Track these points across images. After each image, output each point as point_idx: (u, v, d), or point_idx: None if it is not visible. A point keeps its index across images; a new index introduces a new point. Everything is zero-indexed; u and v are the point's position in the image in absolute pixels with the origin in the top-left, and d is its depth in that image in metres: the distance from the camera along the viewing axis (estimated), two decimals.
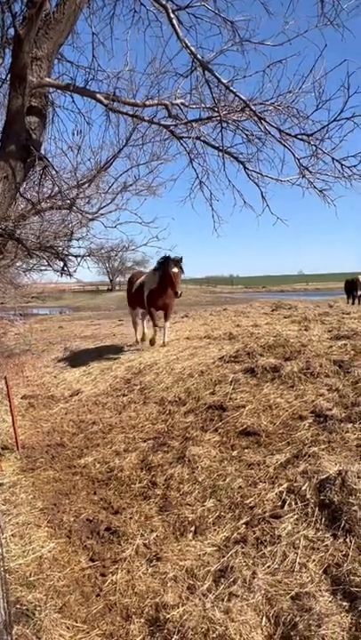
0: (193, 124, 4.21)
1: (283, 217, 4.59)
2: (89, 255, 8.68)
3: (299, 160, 4.04)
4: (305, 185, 4.20)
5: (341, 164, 3.89)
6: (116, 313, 34.31)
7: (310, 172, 4.07)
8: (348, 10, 3.71)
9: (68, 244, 7.82)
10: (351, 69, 3.51)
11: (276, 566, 3.04)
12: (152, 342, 10.29)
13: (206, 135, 4.54)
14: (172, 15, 3.61)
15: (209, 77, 3.80)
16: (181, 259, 9.41)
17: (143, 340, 10.82)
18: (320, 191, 4.16)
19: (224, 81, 3.74)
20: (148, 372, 8.12)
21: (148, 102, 4.18)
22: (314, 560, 3.03)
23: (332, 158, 3.88)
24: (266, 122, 3.84)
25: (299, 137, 3.95)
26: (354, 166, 3.85)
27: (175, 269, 9.17)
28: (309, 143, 3.93)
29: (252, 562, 3.11)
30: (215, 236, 6.38)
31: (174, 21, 3.64)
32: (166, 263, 9.39)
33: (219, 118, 4.00)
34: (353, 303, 23.40)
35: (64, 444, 6.12)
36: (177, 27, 3.62)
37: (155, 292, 9.79)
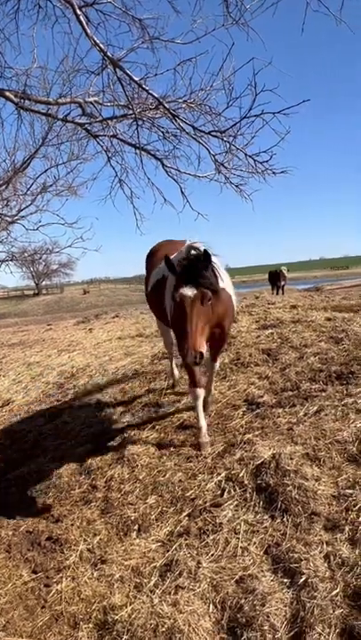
0: (108, 121, 4.20)
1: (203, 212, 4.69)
2: (11, 259, 8.41)
3: (214, 156, 4.16)
4: (222, 180, 4.34)
5: (254, 160, 4.05)
6: (45, 318, 33.39)
7: (226, 168, 4.20)
8: (251, 10, 3.85)
9: None
10: (257, 68, 3.65)
11: (220, 553, 3.11)
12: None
13: (123, 133, 4.55)
14: (78, 12, 3.57)
15: (121, 75, 3.80)
16: (207, 261, 3.84)
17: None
18: (236, 186, 4.31)
19: (136, 78, 3.76)
20: (82, 376, 7.99)
21: (60, 100, 4.11)
22: (255, 542, 3.14)
23: (245, 154, 4.04)
24: (180, 119, 3.91)
25: (213, 134, 4.06)
26: (266, 161, 4.02)
27: (187, 291, 3.78)
28: (223, 139, 4.05)
29: (196, 552, 3.16)
30: (138, 234, 6.32)
31: (82, 18, 3.60)
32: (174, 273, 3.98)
33: (133, 116, 4.02)
34: (277, 293, 24.38)
35: None
36: (85, 24, 3.58)
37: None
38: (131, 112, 3.99)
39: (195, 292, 3.73)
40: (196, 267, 3.79)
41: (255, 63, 3.76)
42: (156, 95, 3.81)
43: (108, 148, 4.72)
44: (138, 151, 4.46)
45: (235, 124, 3.97)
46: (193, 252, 3.92)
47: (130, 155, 4.94)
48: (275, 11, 3.92)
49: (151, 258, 6.05)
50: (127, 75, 3.66)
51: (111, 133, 4.35)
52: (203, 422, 4.64)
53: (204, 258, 3.80)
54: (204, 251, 3.81)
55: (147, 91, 3.77)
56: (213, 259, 3.92)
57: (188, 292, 3.74)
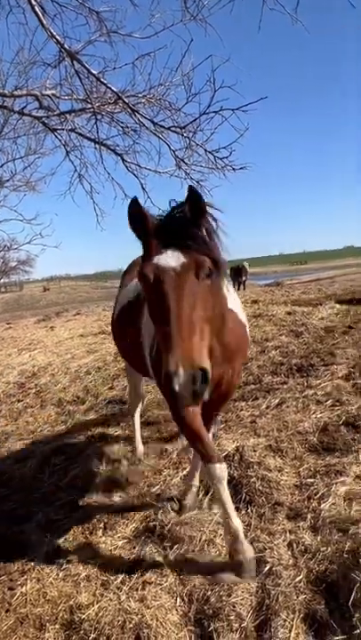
0: (66, 115, 4.12)
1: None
2: None
3: (174, 152, 4.15)
4: (182, 176, 4.35)
5: (214, 156, 4.07)
6: (4, 316, 32.60)
7: (186, 164, 4.21)
8: (209, 6, 3.86)
9: None
10: (216, 64, 3.68)
11: (186, 547, 3.13)
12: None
13: (81, 127, 4.48)
14: (33, 2, 3.48)
15: (79, 68, 3.73)
16: (198, 214, 2.25)
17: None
18: (197, 182, 4.33)
19: (94, 72, 3.70)
20: (44, 374, 7.85)
21: (16, 92, 4.01)
22: (220, 535, 3.17)
23: (205, 150, 4.06)
24: (140, 114, 3.88)
25: (172, 129, 4.05)
26: (225, 157, 4.06)
27: (168, 260, 2.15)
28: (183, 135, 4.05)
29: (162, 547, 3.17)
30: (99, 230, 6.20)
31: (37, 8, 3.51)
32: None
33: (92, 110, 3.96)
34: (238, 289, 24.65)
35: None
36: (40, 14, 3.49)
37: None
38: (89, 106, 3.94)
39: (182, 259, 2.13)
40: (182, 223, 2.23)
41: (214, 59, 3.78)
42: (114, 89, 3.76)
43: (66, 143, 4.64)
44: (97, 146, 4.41)
45: (194, 120, 3.99)
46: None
47: (89, 149, 4.88)
48: (232, 8, 3.95)
49: (127, 271, 4.30)
50: (85, 68, 3.60)
51: (69, 127, 4.28)
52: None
53: (193, 208, 2.21)
54: (190, 191, 2.19)
55: (105, 84, 3.72)
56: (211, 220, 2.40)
57: (171, 260, 2.13)
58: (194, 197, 2.19)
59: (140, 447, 4.51)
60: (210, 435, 3.15)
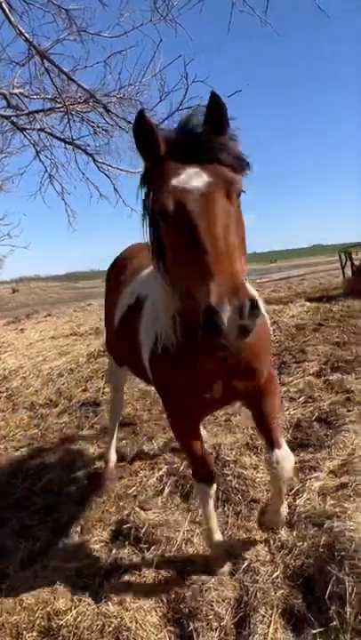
0: (35, 114, 4.06)
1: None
2: None
3: None
4: None
5: None
6: None
7: None
8: (178, 7, 3.87)
9: None
10: (187, 61, 3.69)
11: (163, 547, 3.12)
12: None
13: (52, 127, 4.42)
14: None
15: (49, 66, 3.68)
16: (222, 119, 1.78)
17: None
18: None
19: (65, 70, 3.66)
20: (15, 377, 7.71)
21: None
22: (197, 534, 3.18)
23: None
24: (112, 112, 3.86)
25: None
26: None
27: (192, 179, 1.71)
28: None
29: (139, 549, 3.16)
30: (71, 231, 6.08)
31: (4, 5, 3.44)
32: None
33: (64, 109, 3.91)
34: None
35: None
36: (8, 11, 3.42)
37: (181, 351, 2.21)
38: (60, 105, 3.88)
39: (206, 178, 1.72)
40: (202, 136, 1.78)
41: (185, 57, 3.80)
42: (86, 87, 3.72)
43: (36, 142, 4.56)
44: (67, 146, 4.35)
45: (167, 118, 3.99)
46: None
47: (60, 150, 4.82)
48: (201, 8, 3.97)
49: (117, 272, 3.72)
50: (56, 66, 3.55)
51: (39, 127, 4.21)
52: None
53: (216, 118, 1.78)
54: (213, 98, 1.75)
55: (76, 82, 3.68)
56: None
57: (195, 179, 1.71)
58: (217, 106, 1.75)
59: (113, 458, 4.25)
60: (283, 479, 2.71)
